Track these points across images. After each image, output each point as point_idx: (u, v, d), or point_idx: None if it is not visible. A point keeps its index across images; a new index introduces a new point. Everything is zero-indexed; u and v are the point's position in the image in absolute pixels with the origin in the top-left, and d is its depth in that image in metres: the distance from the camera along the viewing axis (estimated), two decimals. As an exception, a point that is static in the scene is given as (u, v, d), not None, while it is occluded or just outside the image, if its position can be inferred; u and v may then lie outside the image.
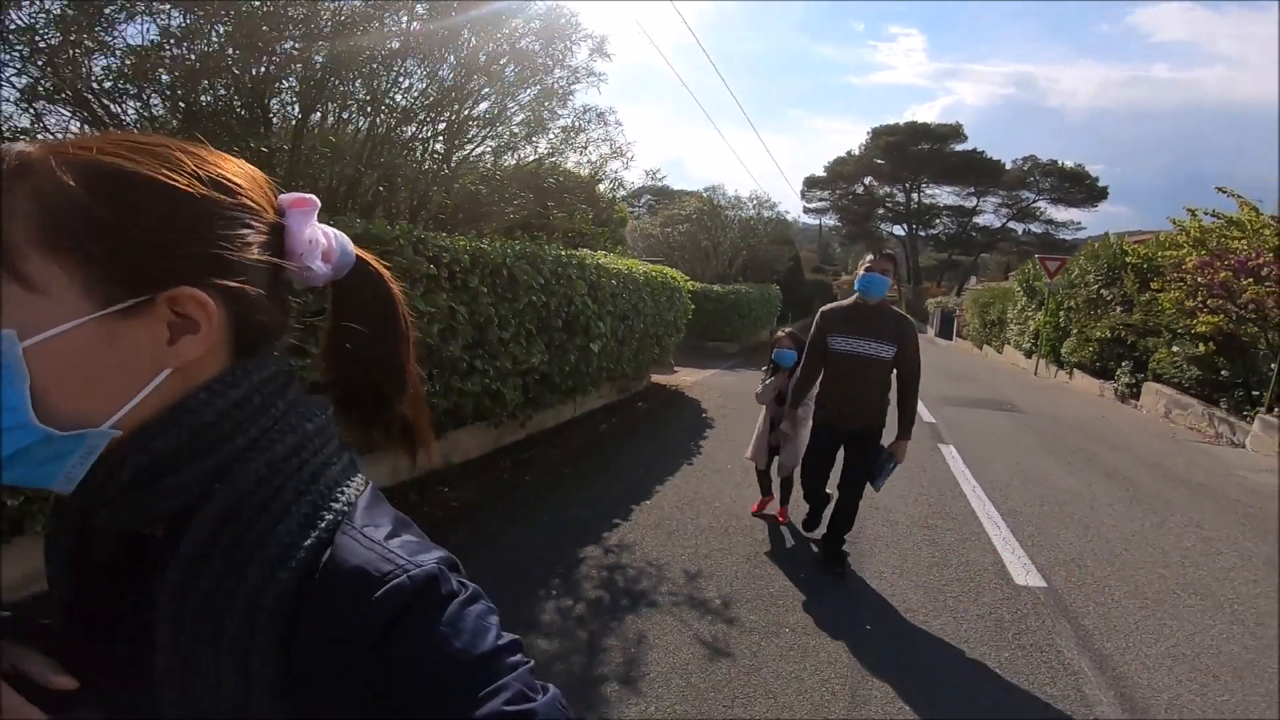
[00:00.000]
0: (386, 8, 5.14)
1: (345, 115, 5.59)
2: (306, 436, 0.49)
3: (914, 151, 47.38)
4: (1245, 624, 3.07)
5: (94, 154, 0.42)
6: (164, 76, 4.76)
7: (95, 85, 4.56)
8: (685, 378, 10.54)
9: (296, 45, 4.84)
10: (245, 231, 0.46)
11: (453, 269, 3.86)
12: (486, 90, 6.11)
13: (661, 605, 2.94)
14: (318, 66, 5.03)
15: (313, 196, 0.51)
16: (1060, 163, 47.49)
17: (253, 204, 0.47)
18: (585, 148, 6.86)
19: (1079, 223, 46.67)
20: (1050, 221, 47.64)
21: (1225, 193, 8.50)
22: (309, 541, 0.45)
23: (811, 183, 51.44)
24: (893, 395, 3.31)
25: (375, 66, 5.36)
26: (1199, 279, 8.14)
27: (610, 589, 3.08)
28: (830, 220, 53.15)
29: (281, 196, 0.51)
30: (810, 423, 3.59)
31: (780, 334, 4.03)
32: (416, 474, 4.44)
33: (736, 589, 3.14)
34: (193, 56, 4.66)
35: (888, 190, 50.78)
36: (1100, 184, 47.00)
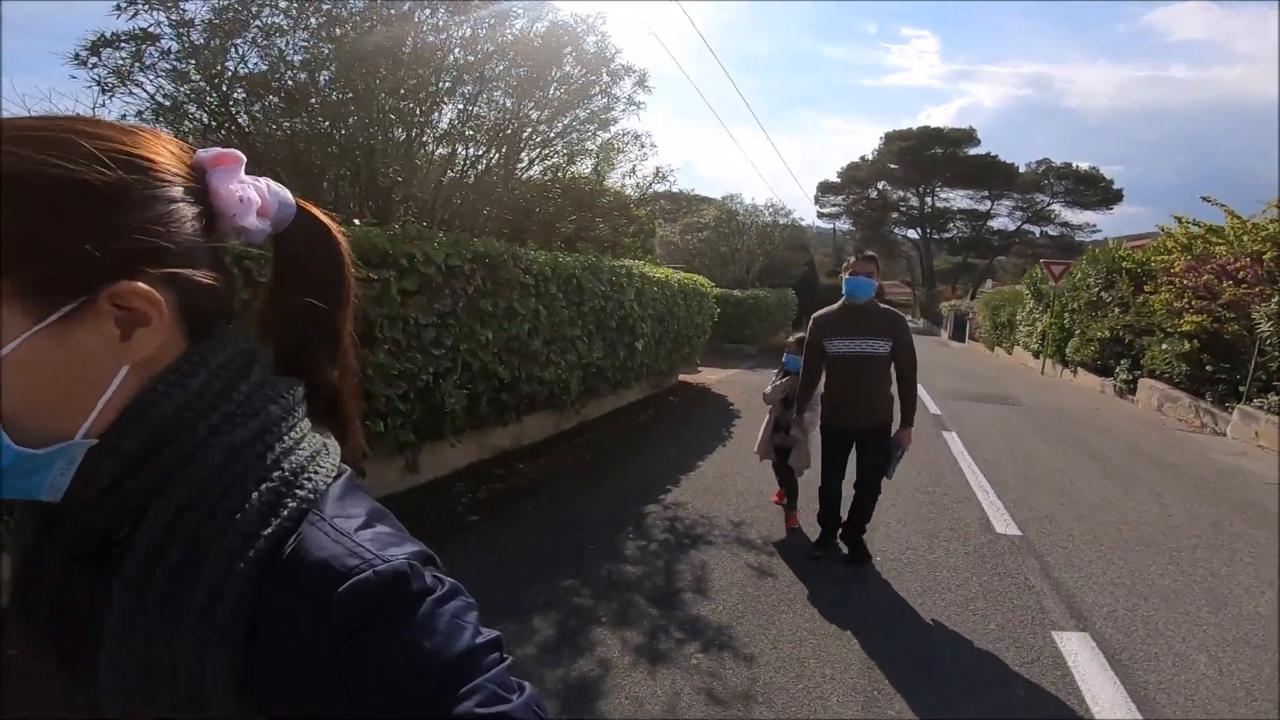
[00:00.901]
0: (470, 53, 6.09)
1: (426, 139, 6.51)
2: (270, 420, 0.47)
3: (927, 156, 47.78)
4: (1179, 565, 3.85)
5: None
6: (272, 99, 5.75)
7: (227, 89, 5.56)
8: (709, 376, 11.37)
9: (387, 91, 5.78)
10: (172, 209, 0.44)
11: (538, 278, 4.75)
12: (537, 114, 7.01)
13: (715, 543, 3.78)
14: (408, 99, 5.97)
15: (235, 152, 0.47)
16: (1075, 165, 47.72)
17: (172, 175, 0.44)
18: (631, 170, 7.75)
19: (1094, 225, 46.84)
20: (1065, 224, 47.88)
21: (1210, 202, 9.21)
22: (270, 531, 0.43)
23: (825, 188, 52.03)
24: (894, 390, 3.51)
25: (455, 99, 6.32)
26: (1185, 282, 8.86)
27: (674, 533, 3.92)
28: (844, 225, 53.65)
29: (199, 154, 0.48)
30: (818, 425, 3.70)
31: (790, 340, 4.18)
32: (493, 454, 5.32)
33: (773, 532, 3.97)
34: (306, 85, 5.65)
35: (901, 195, 51.21)
36: (1115, 186, 47.18)
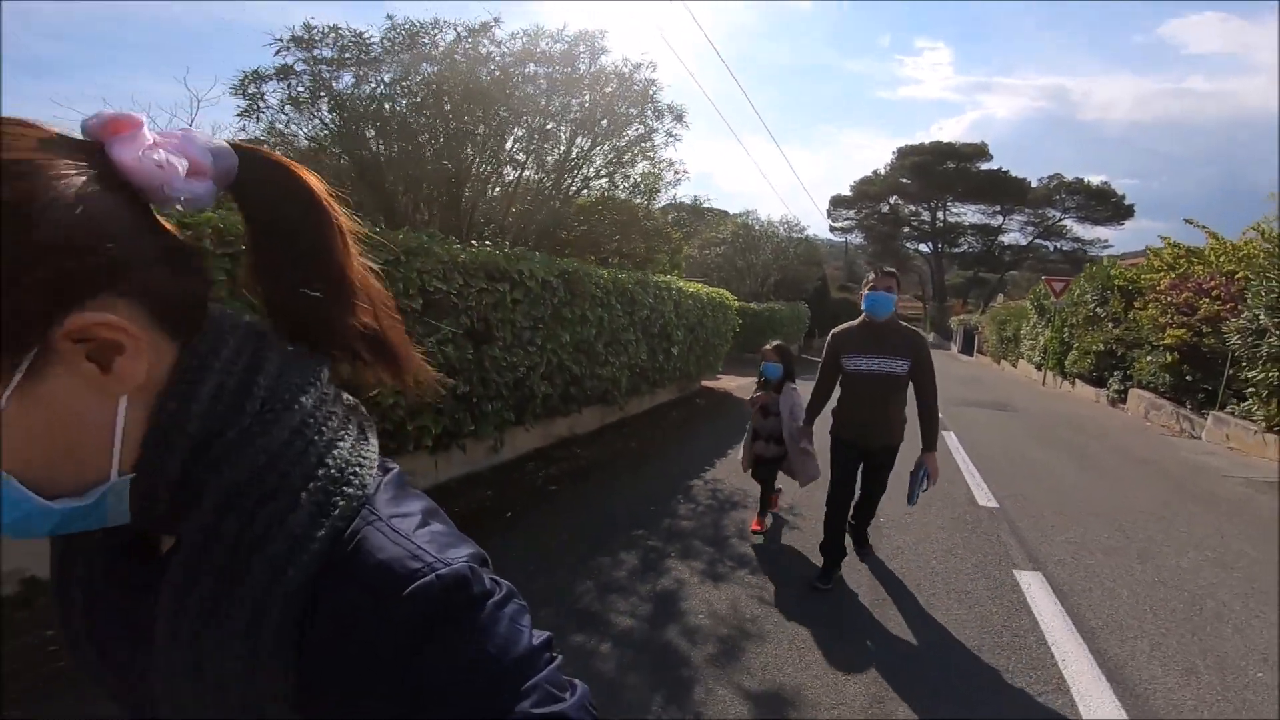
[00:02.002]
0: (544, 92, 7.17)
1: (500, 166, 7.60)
2: (306, 414, 0.45)
3: (940, 171, 48.51)
4: (1124, 531, 4.72)
5: None
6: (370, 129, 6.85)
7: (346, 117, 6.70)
8: (729, 382, 12.31)
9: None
10: (84, 209, 0.37)
11: (604, 291, 5.74)
12: (589, 144, 8.05)
13: (750, 507, 4.71)
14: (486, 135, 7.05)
15: (130, 114, 0.40)
16: (1086, 181, 48.30)
17: (65, 169, 0.37)
18: (672, 198, 8.81)
19: (1106, 240, 47.27)
20: (1077, 239, 48.36)
21: (1193, 224, 10.08)
22: (322, 532, 0.42)
23: (838, 202, 52.92)
24: (910, 412, 3.44)
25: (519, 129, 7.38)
26: (1169, 299, 9.71)
27: (715, 500, 4.85)
28: (856, 239, 54.47)
29: (86, 124, 0.40)
30: (811, 439, 3.75)
31: (767, 347, 4.15)
32: (554, 440, 6.28)
33: (798, 500, 4.89)
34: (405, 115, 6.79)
35: (913, 209, 51.96)
36: (1127, 201, 47.69)
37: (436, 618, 0.41)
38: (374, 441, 0.49)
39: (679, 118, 8.17)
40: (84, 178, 0.38)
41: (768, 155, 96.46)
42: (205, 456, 0.42)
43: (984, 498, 5.23)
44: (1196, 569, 4.04)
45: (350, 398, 0.51)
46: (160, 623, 0.41)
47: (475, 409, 4.41)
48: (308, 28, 6.37)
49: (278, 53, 6.43)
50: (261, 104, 6.44)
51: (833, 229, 53.18)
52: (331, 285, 0.48)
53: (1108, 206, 47.48)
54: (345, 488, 0.44)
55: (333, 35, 6.36)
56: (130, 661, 0.47)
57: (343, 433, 0.46)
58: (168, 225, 0.43)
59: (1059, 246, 49.20)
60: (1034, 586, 3.63)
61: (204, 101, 6.63)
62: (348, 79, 6.59)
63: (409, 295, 3.62)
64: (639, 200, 8.75)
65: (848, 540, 3.76)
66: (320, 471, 0.43)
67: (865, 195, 52.06)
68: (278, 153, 0.48)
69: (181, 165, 0.41)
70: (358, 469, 0.45)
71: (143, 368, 0.40)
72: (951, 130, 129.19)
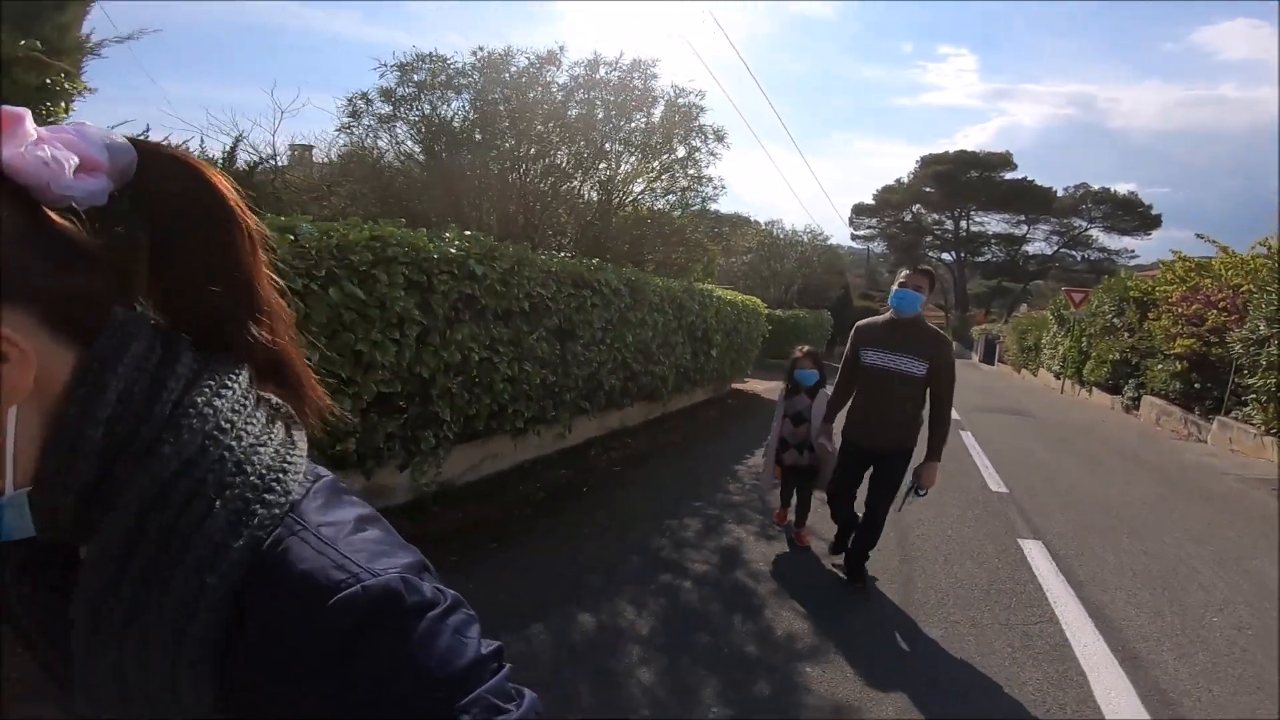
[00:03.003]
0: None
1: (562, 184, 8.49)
2: (221, 418, 0.43)
3: (963, 180, 48.62)
4: (1119, 517, 5.36)
5: None
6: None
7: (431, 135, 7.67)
8: (757, 385, 13.01)
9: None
10: None
11: (660, 297, 6.53)
12: (635, 160, 8.87)
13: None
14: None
15: (8, 108, 0.39)
16: (1113, 190, 48.13)
17: None
18: (714, 216, 9.62)
19: (1132, 250, 46.99)
20: (1103, 249, 48.18)
21: (1204, 239, 10.62)
22: (240, 541, 0.40)
23: (860, 210, 53.25)
24: (925, 414, 3.39)
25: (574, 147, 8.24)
26: (1180, 310, 10.25)
27: (759, 481, 5.59)
28: (878, 247, 54.74)
29: None
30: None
31: (799, 353, 4.05)
32: (607, 431, 7.05)
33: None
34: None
35: (936, 218, 52.07)
36: (1155, 211, 47.45)
37: (364, 630, 0.39)
38: (302, 445, 0.47)
39: (720, 138, 8.96)
40: None
41: (789, 163, 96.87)
42: (115, 464, 0.40)
43: (995, 485, 5.91)
44: (1177, 544, 4.69)
45: (276, 400, 0.49)
46: (77, 632, 0.40)
47: (557, 398, 5.20)
48: (418, 56, 7.39)
49: (381, 75, 7.44)
50: (358, 121, 7.44)
51: (854, 237, 53.53)
52: (234, 291, 0.46)
53: (1134, 216, 47.19)
54: (266, 494, 0.42)
55: (428, 61, 7.34)
56: (61, 667, 0.44)
57: (265, 437, 0.45)
58: (63, 222, 0.41)
59: (1085, 256, 48.91)
60: (1034, 551, 4.32)
61: (285, 112, 7.72)
62: (434, 99, 7.53)
63: (519, 299, 4.42)
64: (679, 214, 9.54)
65: (843, 570, 3.68)
66: (239, 479, 0.41)
67: (888, 204, 52.33)
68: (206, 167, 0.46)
69: (70, 162, 0.39)
70: (280, 475, 0.43)
71: (28, 378, 0.39)
72: (976, 138, 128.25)
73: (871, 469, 3.43)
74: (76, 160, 0.40)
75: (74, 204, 0.41)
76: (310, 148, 9.29)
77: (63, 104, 2.88)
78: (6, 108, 0.38)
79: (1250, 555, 4.54)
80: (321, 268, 2.95)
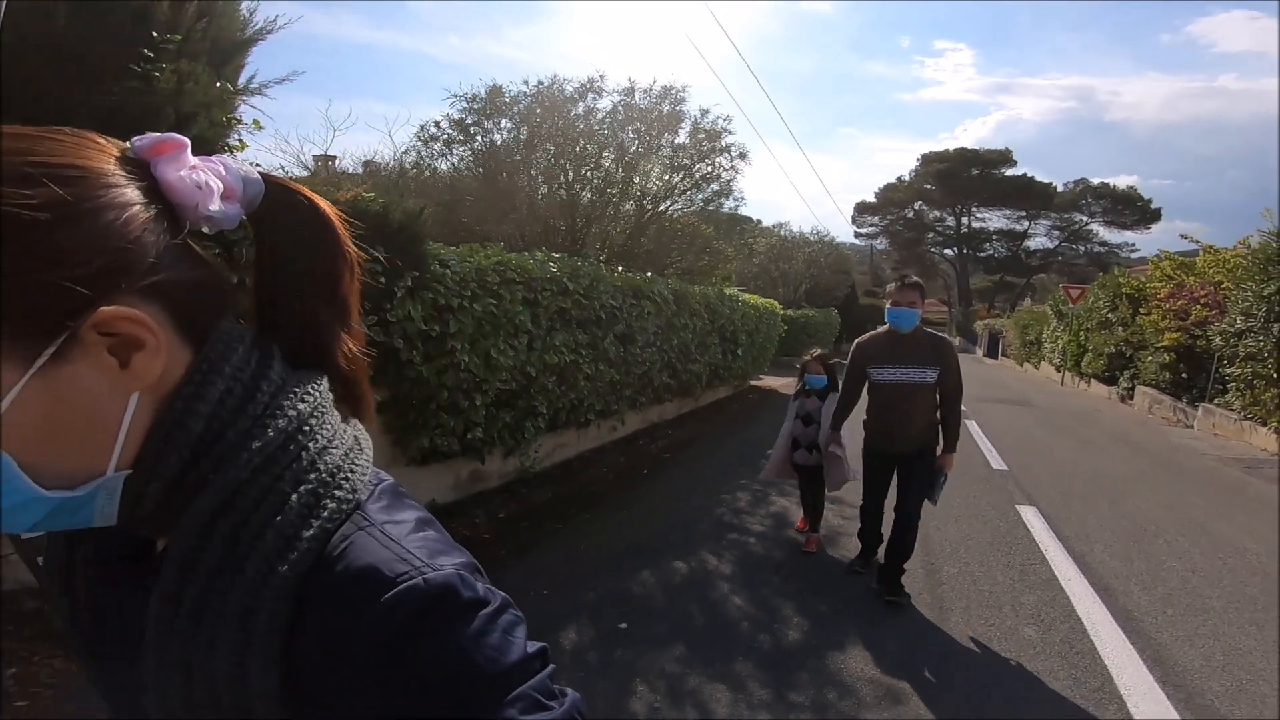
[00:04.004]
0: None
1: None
2: (302, 419, 0.47)
3: (964, 177, 49.27)
4: (1103, 489, 6.19)
5: None
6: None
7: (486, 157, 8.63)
8: (773, 381, 13.87)
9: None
10: (125, 215, 0.41)
11: (699, 303, 7.40)
12: (667, 176, 9.76)
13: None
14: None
15: (175, 136, 0.45)
16: (1112, 185, 48.63)
17: (112, 179, 0.42)
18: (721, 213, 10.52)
19: (1133, 244, 47.41)
20: (1104, 244, 48.72)
21: (1187, 239, 11.46)
22: (310, 532, 0.43)
23: (863, 208, 53.92)
24: (938, 413, 3.51)
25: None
26: (1168, 305, 11.07)
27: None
28: (881, 244, 55.43)
29: (135, 143, 0.45)
30: (844, 444, 3.84)
31: (808, 357, 4.25)
32: (649, 424, 7.91)
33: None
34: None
35: (938, 215, 52.68)
36: (1155, 205, 47.92)
37: (422, 621, 0.41)
38: (368, 452, 0.50)
39: (742, 155, 9.87)
40: (131, 189, 0.42)
41: (792, 161, 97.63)
42: (205, 457, 0.44)
43: (997, 464, 6.76)
44: (1149, 510, 5.54)
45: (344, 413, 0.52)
46: (151, 622, 0.42)
47: (619, 393, 6.07)
48: (490, 90, 8.44)
49: (450, 103, 8.50)
50: (428, 145, 8.48)
51: (857, 234, 54.20)
52: (335, 315, 0.51)
53: (1134, 210, 47.56)
54: (336, 490, 0.45)
55: (491, 92, 8.34)
56: (124, 664, 0.47)
57: (336, 440, 0.48)
58: (191, 242, 0.46)
59: (1087, 249, 49.27)
60: (1029, 514, 5.17)
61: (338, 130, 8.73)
62: (489, 125, 8.52)
63: (596, 309, 5.29)
64: (708, 227, 10.42)
65: (882, 584, 3.63)
66: (312, 475, 0.45)
67: (890, 201, 52.95)
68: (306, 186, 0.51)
69: (217, 188, 0.44)
70: (349, 474, 0.47)
71: (159, 366, 0.42)
72: (976, 132, 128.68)
73: (899, 473, 3.55)
74: (221, 188, 0.45)
75: (208, 226, 0.46)
76: (334, 158, 10.15)
77: (239, 139, 3.31)
78: (173, 135, 0.44)
79: (1212, 520, 5.37)
80: (467, 288, 3.81)
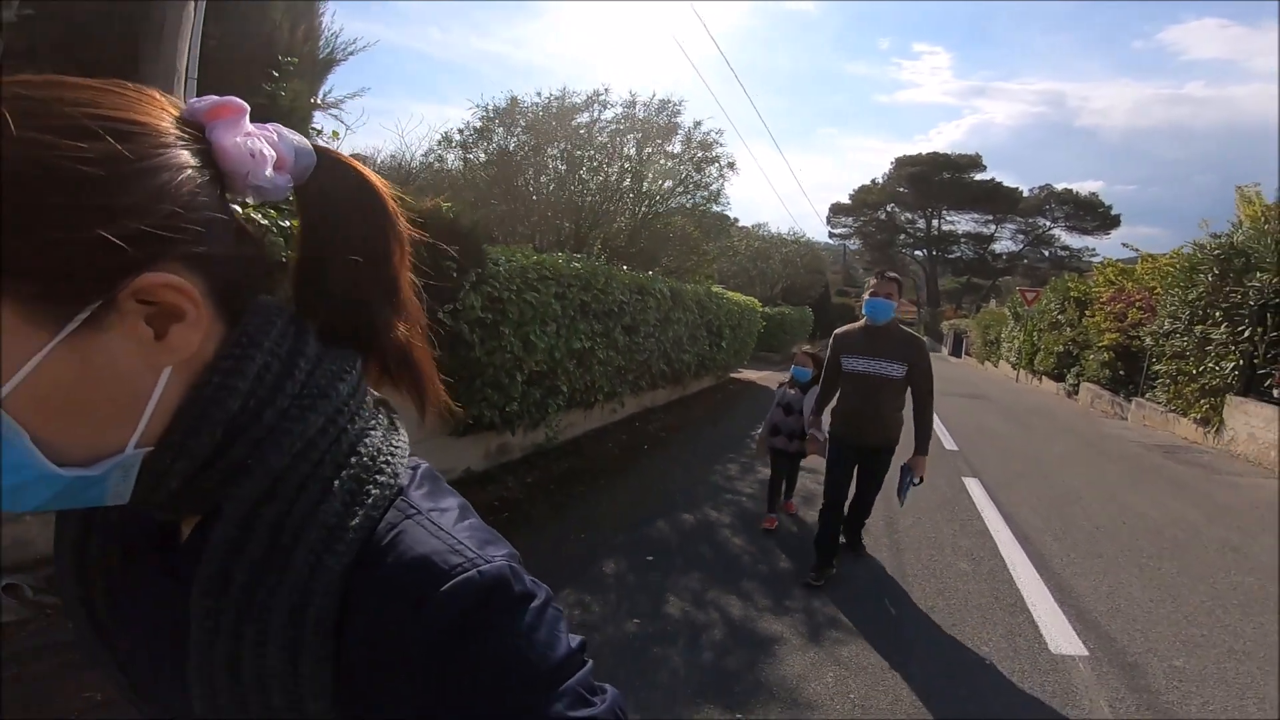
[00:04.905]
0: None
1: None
2: (341, 400, 0.45)
3: (935, 181, 50.91)
4: (1039, 466, 7.19)
5: None
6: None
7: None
8: (751, 375, 14.79)
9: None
10: (178, 178, 0.39)
11: (692, 299, 8.24)
12: (662, 182, 10.59)
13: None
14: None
15: (234, 99, 0.43)
16: (1075, 191, 50.60)
17: (169, 138, 0.39)
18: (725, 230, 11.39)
19: (1093, 249, 49.25)
20: (1066, 248, 50.75)
21: (1129, 247, 12.65)
22: (356, 521, 0.41)
23: (837, 209, 55.42)
24: (908, 413, 3.65)
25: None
26: (1109, 309, 12.23)
27: (772, 442, 7.33)
28: (854, 244, 56.95)
29: (192, 105, 0.43)
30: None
31: (798, 351, 4.64)
32: (643, 409, 8.72)
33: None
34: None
35: (909, 217, 54.38)
36: (1114, 212, 50.02)
37: (477, 614, 0.41)
38: (404, 434, 0.49)
39: (731, 165, 10.75)
40: (186, 151, 0.39)
41: (769, 160, 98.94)
42: (241, 437, 0.42)
43: (949, 445, 7.74)
44: (1073, 483, 6.54)
45: (378, 395, 0.51)
46: (195, 617, 0.40)
47: (623, 378, 6.87)
48: (511, 101, 9.21)
49: (472, 113, 9.29)
50: (449, 148, 9.24)
51: (832, 235, 55.60)
52: (383, 293, 0.49)
53: (1095, 217, 49.61)
54: (378, 475, 0.44)
55: (511, 103, 9.11)
56: (150, 655, 0.46)
57: (374, 422, 0.47)
58: (235, 210, 0.44)
59: (1050, 253, 51.11)
60: (973, 484, 6.12)
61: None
62: (501, 132, 9.25)
63: (609, 303, 6.09)
64: (694, 230, 11.28)
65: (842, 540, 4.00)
66: (353, 459, 0.43)
67: (864, 203, 54.46)
68: (363, 163, 0.49)
69: (270, 157, 0.43)
70: (390, 458, 0.45)
71: (197, 340, 0.40)
72: (950, 134, 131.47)
73: (860, 466, 3.74)
74: (275, 157, 0.43)
75: (255, 197, 0.44)
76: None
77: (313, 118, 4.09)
78: (233, 99, 0.42)
79: (1123, 492, 6.37)
80: (514, 283, 4.58)
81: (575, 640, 0.46)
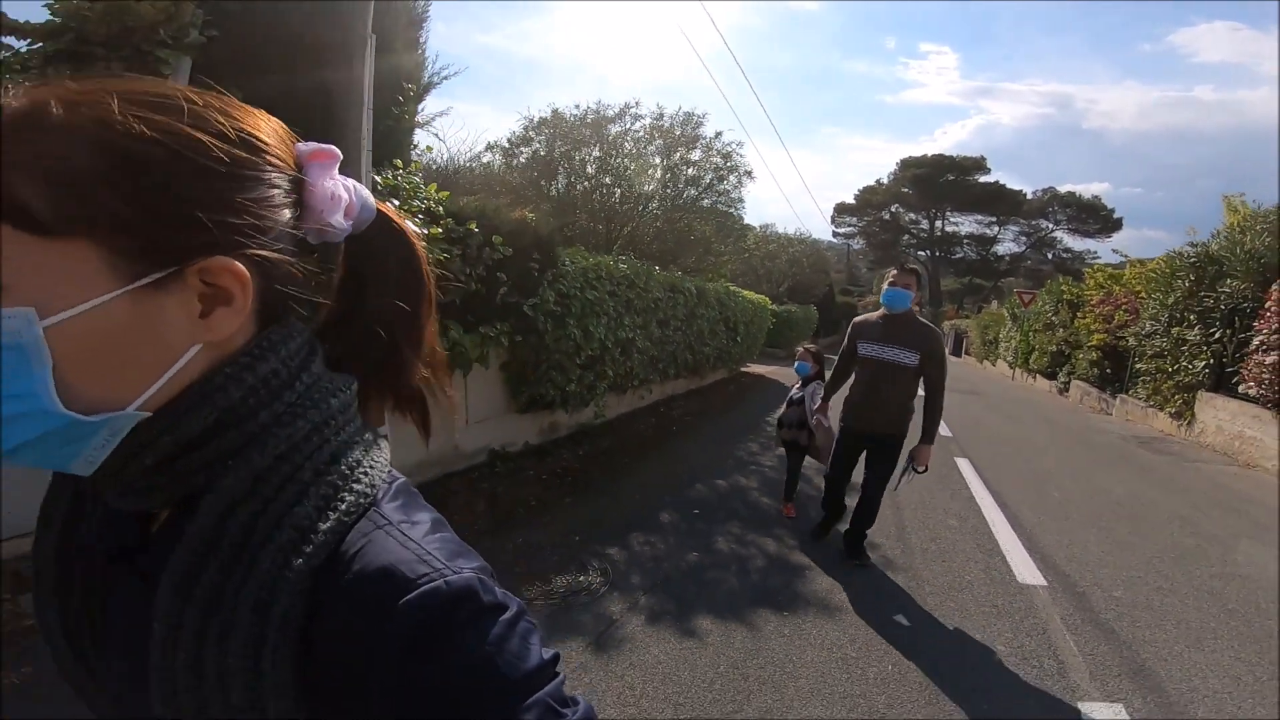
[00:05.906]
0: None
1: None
2: (330, 413, 0.48)
3: (940, 182, 51.30)
4: (1023, 452, 8.04)
5: (110, 109, 0.39)
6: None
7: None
8: (759, 369, 15.65)
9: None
10: (274, 193, 0.45)
11: (714, 298, 9.11)
12: (686, 190, 11.46)
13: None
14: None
15: (333, 147, 0.49)
16: (1078, 193, 50.93)
17: (279, 161, 0.46)
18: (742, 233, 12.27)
19: (1094, 252, 49.62)
20: (1068, 250, 51.22)
21: (1119, 253, 13.47)
22: (327, 525, 0.43)
23: (842, 209, 55.91)
24: (917, 404, 3.74)
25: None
26: (1098, 311, 13.07)
27: (786, 426, 8.20)
28: (858, 244, 57.56)
29: (299, 146, 0.49)
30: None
31: (800, 349, 4.81)
32: (665, 397, 9.58)
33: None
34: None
35: (913, 218, 54.86)
36: (1116, 215, 50.20)
37: (443, 624, 0.41)
38: (386, 454, 0.51)
39: (748, 173, 11.62)
40: (285, 175, 0.46)
41: (775, 158, 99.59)
42: (232, 428, 0.44)
43: (945, 432, 8.59)
44: (1051, 465, 7.41)
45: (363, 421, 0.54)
46: (160, 610, 0.41)
47: (654, 367, 7.74)
48: (554, 113, 10.15)
49: (519, 124, 10.18)
50: (493, 153, 10.15)
51: (835, 234, 56.15)
52: (411, 344, 0.54)
53: (1097, 220, 49.89)
54: (354, 484, 0.46)
55: (554, 115, 9.99)
56: (126, 664, 0.47)
57: (358, 438, 0.49)
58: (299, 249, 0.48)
59: (1053, 255, 51.31)
60: (963, 463, 6.98)
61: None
62: (541, 141, 10.11)
63: (648, 300, 6.95)
64: (711, 233, 12.15)
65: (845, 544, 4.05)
66: (332, 468, 0.45)
67: (868, 203, 54.95)
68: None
69: (344, 202, 0.48)
70: (367, 471, 0.47)
71: (233, 328, 0.44)
72: (955, 135, 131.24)
73: (866, 456, 3.81)
74: (347, 201, 0.49)
75: (316, 236, 0.49)
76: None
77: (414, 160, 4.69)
78: (331, 146, 0.49)
79: (1096, 475, 7.21)
80: (578, 281, 5.45)
81: (548, 653, 0.46)
